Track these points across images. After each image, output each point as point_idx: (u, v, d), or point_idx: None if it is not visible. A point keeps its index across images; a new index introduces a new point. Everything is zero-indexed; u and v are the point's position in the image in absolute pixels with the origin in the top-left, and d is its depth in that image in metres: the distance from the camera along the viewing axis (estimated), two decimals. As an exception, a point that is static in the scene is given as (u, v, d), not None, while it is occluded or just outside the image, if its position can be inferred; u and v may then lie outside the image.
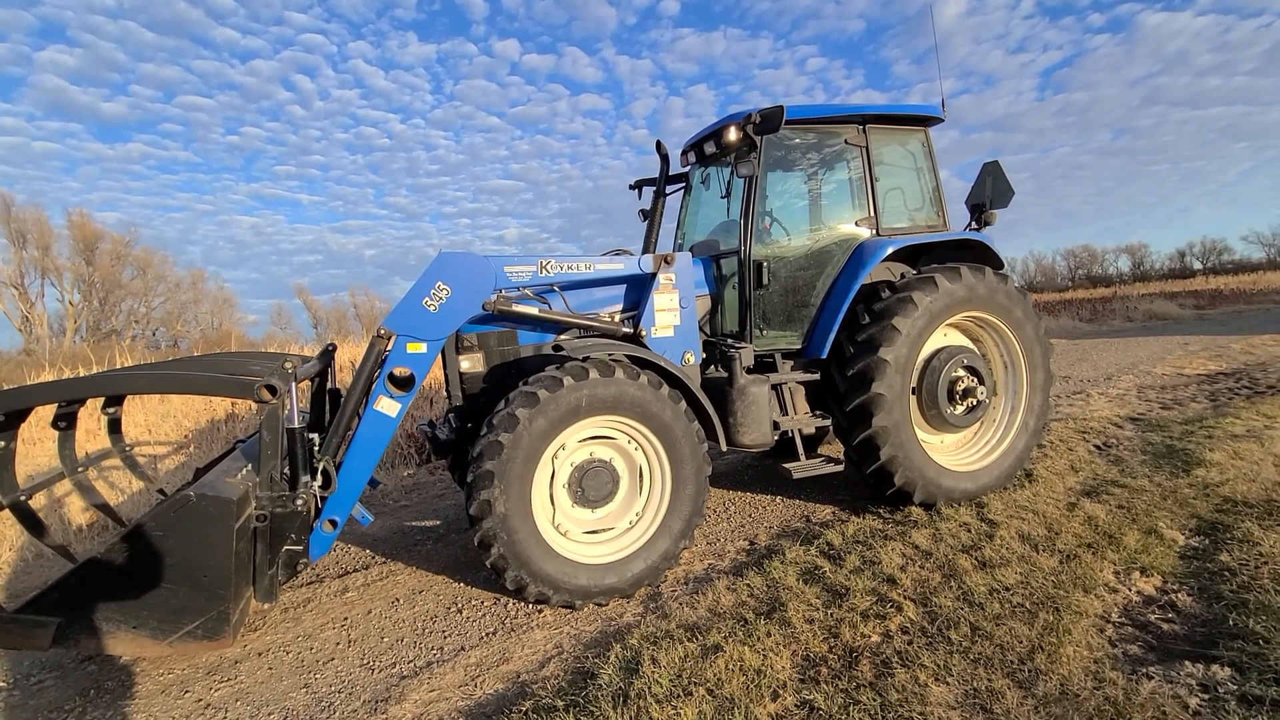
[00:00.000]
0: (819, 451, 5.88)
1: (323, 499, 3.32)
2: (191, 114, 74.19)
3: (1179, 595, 3.14)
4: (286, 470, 3.14)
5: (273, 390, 3.00)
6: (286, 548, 3.18)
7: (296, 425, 3.10)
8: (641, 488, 3.73)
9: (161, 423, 9.50)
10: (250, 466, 3.17)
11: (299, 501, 3.11)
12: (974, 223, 5.10)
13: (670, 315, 4.20)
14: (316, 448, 3.31)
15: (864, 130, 4.66)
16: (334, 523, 3.38)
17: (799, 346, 4.65)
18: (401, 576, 4.09)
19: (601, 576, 3.49)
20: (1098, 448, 5.87)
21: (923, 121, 4.91)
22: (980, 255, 4.84)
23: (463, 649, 3.16)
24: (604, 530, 3.70)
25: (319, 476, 3.25)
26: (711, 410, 3.90)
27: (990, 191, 5.04)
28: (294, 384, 3.09)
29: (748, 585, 3.55)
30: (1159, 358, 11.55)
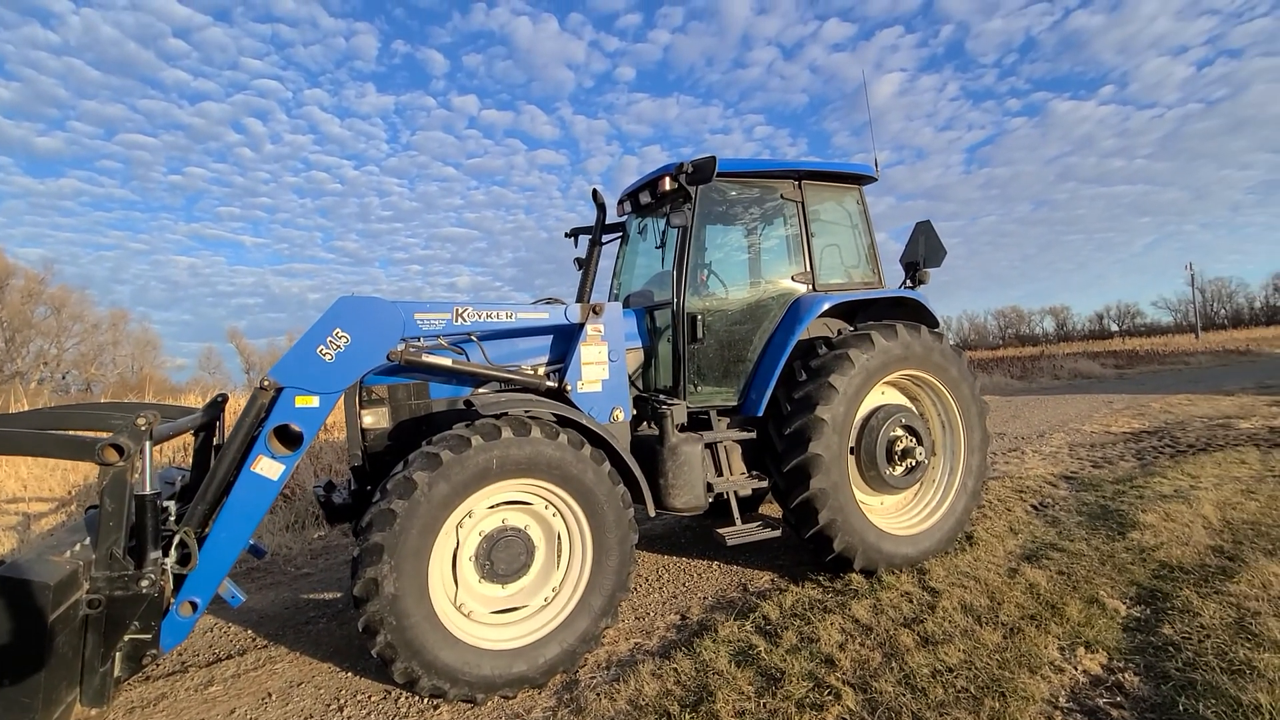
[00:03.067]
0: (758, 512, 5.65)
1: (182, 577, 2.85)
2: (133, 152, 71.92)
3: (1125, 675, 2.96)
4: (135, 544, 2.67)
5: (120, 450, 2.57)
6: (128, 637, 2.67)
7: (148, 491, 2.65)
8: (560, 559, 3.37)
9: (49, 476, 8.53)
10: (88, 540, 2.69)
11: (144, 582, 2.62)
12: (909, 280, 5.11)
13: (598, 369, 3.94)
14: (173, 516, 2.85)
15: (799, 186, 4.63)
16: (194, 605, 2.88)
17: (735, 403, 4.45)
18: (282, 664, 3.55)
19: (509, 664, 3.07)
20: (1035, 508, 5.83)
21: (857, 180, 4.93)
22: (915, 313, 4.81)
23: (336, 760, 2.68)
24: (515, 609, 3.30)
25: (174, 550, 2.78)
26: (638, 472, 3.62)
27: (924, 250, 5.07)
28: (149, 443, 2.66)
29: (675, 670, 3.19)
30: (1086, 415, 11.95)
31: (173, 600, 2.84)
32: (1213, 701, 2.62)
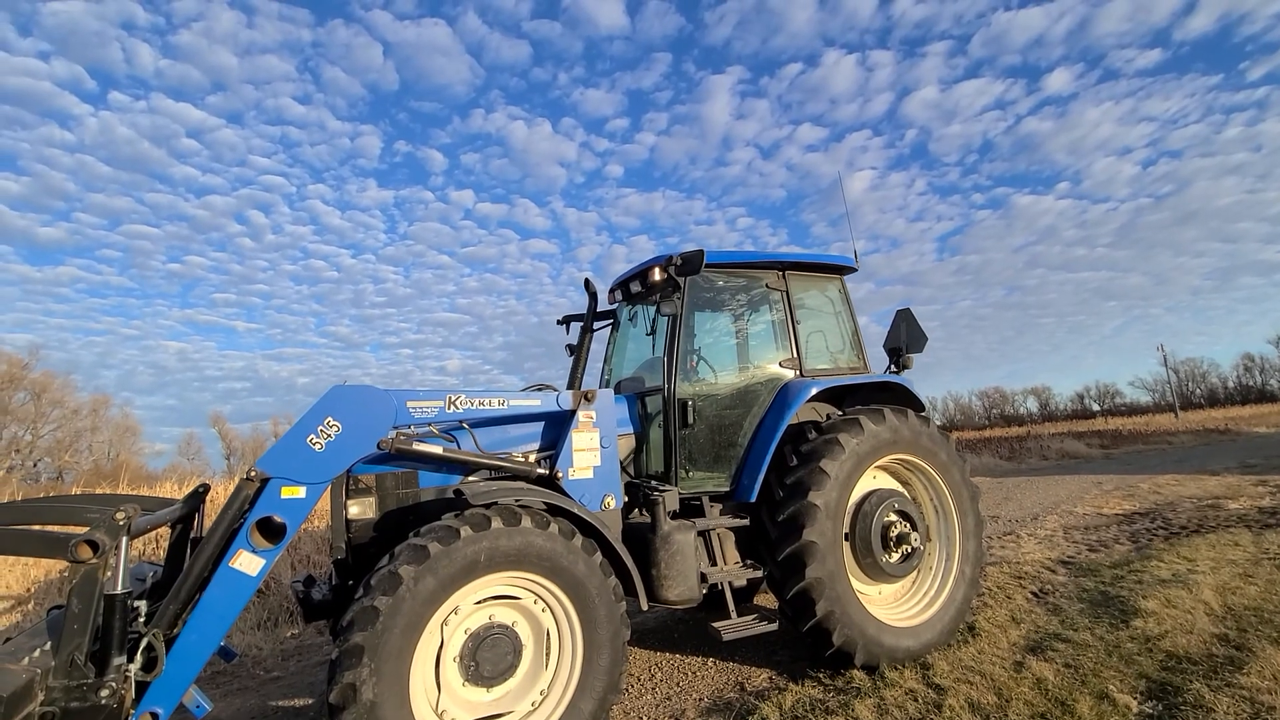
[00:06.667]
0: (753, 603, 5.46)
1: (145, 684, 2.67)
2: (134, 241, 73.64)
3: (1146, 779, 2.81)
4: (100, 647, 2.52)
5: (95, 547, 2.48)
6: (81, 755, 2.47)
7: (119, 591, 2.54)
8: (549, 659, 3.21)
9: (7, 572, 8.09)
10: (49, 644, 2.53)
11: (104, 692, 2.46)
12: (893, 366, 5.22)
13: (590, 455, 3.92)
14: (143, 617, 2.71)
15: (784, 276, 4.82)
16: (155, 716, 2.69)
17: (727, 489, 4.41)
18: (245, 783, 3.28)
19: (493, 779, 2.86)
20: (1035, 595, 5.69)
21: (838, 270, 5.14)
22: (901, 397, 4.89)
23: None
24: (501, 715, 3.11)
25: (140, 655, 2.62)
26: (631, 564, 3.52)
27: (905, 337, 5.21)
28: (125, 539, 2.57)
29: (671, 782, 2.99)
30: (1078, 497, 11.90)
31: (132, 711, 2.65)
32: (1239, 808, 2.48)
